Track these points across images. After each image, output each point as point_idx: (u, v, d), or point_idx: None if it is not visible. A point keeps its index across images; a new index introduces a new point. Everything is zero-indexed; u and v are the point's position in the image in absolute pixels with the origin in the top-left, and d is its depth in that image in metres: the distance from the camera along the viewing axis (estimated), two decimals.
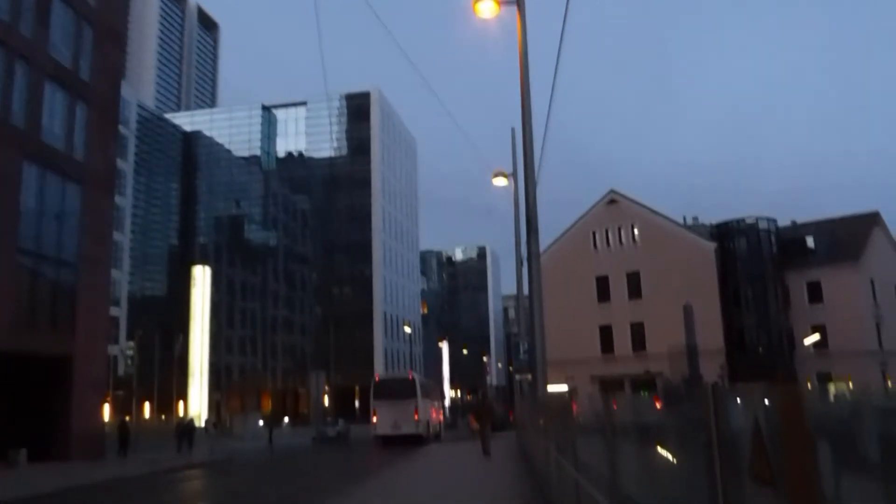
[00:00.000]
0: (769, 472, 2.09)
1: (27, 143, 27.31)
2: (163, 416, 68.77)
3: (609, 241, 53.93)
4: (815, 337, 49.07)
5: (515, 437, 29.03)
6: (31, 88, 27.90)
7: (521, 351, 26.32)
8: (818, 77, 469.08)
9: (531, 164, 15.69)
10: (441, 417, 44.85)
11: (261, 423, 57.10)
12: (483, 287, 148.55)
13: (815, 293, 50.59)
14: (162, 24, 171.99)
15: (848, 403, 2.02)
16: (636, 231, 53.09)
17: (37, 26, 28.39)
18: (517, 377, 33.03)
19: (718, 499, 2.41)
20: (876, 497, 1.80)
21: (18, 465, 25.28)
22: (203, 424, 46.68)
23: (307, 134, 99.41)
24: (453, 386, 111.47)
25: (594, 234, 54.46)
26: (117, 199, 50.50)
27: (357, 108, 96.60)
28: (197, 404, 61.72)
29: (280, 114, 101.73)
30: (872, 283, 50.43)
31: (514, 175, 24.90)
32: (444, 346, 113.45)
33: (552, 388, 16.67)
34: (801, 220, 58.76)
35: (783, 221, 56.70)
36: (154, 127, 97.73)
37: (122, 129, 62.07)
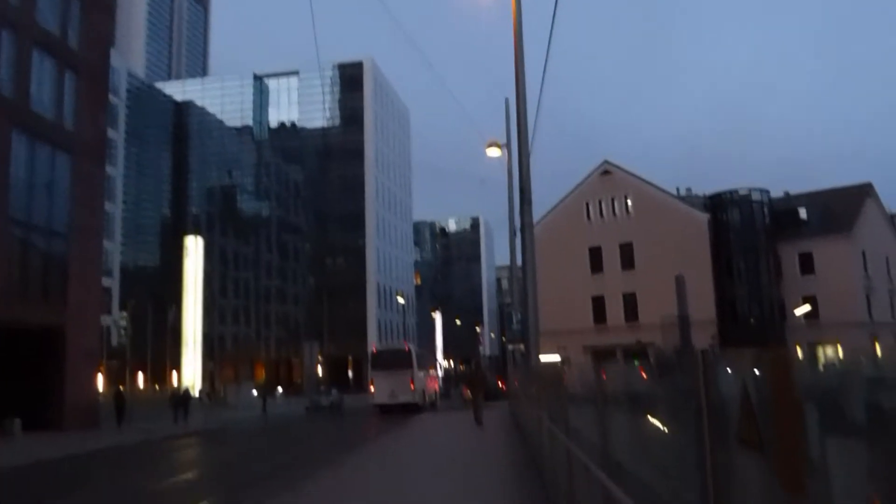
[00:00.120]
0: (757, 436, 2.11)
1: (16, 112, 27.01)
2: (157, 386, 68.99)
3: (602, 211, 53.94)
4: (806, 308, 49.41)
5: (508, 407, 29.25)
6: (19, 57, 27.53)
7: (514, 321, 26.46)
8: (813, 48, 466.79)
9: (525, 134, 15.63)
10: (437, 387, 45.77)
11: (254, 392, 57.32)
12: (476, 258, 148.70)
13: (806, 264, 50.85)
14: None
15: (836, 369, 2.03)
16: (629, 202, 53.09)
17: None
18: (510, 347, 33.28)
19: (707, 463, 2.43)
20: (861, 459, 1.82)
21: (13, 434, 25.40)
22: (197, 394, 46.84)
23: (300, 104, 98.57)
24: (446, 356, 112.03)
25: (587, 204, 54.43)
26: (108, 169, 50.24)
27: (350, 78, 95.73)
28: (191, 374, 61.89)
29: (272, 84, 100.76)
30: (864, 254, 50.69)
31: (507, 145, 24.81)
32: (438, 317, 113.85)
33: (545, 358, 16.79)
34: (794, 191, 58.94)
35: (776, 193, 56.83)
36: (144, 96, 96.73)
37: (112, 98, 61.43)
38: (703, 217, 51.48)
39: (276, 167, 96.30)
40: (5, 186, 26.53)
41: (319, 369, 76.16)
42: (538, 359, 15.71)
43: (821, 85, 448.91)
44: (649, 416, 3.93)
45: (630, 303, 51.10)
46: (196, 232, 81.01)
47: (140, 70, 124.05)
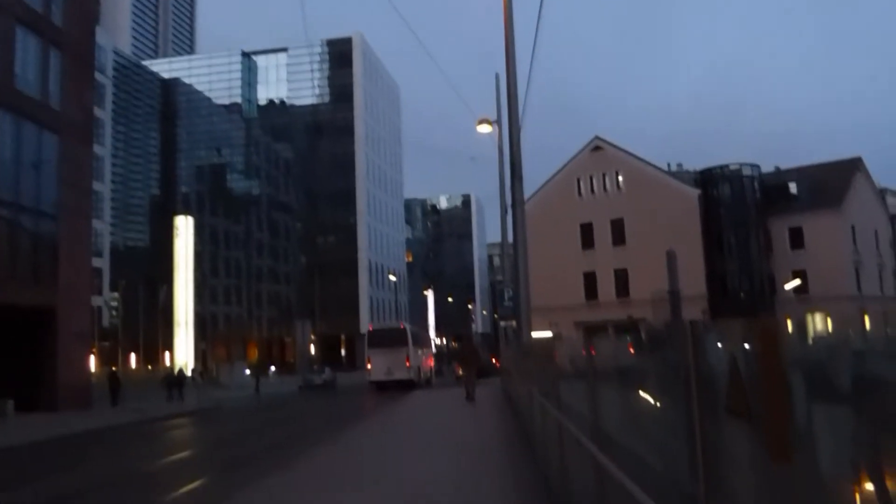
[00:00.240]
0: (746, 406, 2.13)
1: (0, 91, 26.68)
2: (149, 367, 69.01)
3: (593, 188, 53.92)
4: (796, 282, 49.71)
5: (500, 383, 29.41)
6: (2, 35, 27.12)
7: (506, 298, 26.57)
8: (803, 22, 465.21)
9: (515, 109, 15.57)
10: (432, 364, 46.75)
11: (247, 371, 57.43)
12: (468, 235, 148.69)
13: (796, 239, 51.09)
14: None
15: (825, 341, 2.04)
16: (620, 178, 53.08)
17: None
18: (502, 324, 33.42)
19: (696, 433, 2.45)
20: (847, 425, 1.85)
21: (6, 415, 25.40)
22: (189, 374, 46.88)
23: (288, 81, 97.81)
24: (438, 334, 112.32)
25: (579, 181, 54.39)
26: (96, 148, 49.75)
27: (339, 55, 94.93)
28: (183, 354, 61.88)
29: (260, 60, 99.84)
30: (853, 228, 50.95)
31: (498, 122, 24.71)
32: (430, 295, 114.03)
33: (536, 334, 16.85)
34: (784, 166, 59.05)
35: (767, 168, 56.93)
36: (131, 74, 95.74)
37: (98, 76, 60.74)
38: (694, 192, 51.54)
39: (266, 145, 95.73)
40: None
41: (312, 348, 76.29)
42: (530, 335, 15.78)
43: (812, 59, 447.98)
44: (639, 390, 3.96)
45: (621, 279, 51.28)
46: (186, 211, 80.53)
47: (126, 47, 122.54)
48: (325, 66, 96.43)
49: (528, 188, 19.17)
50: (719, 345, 2.64)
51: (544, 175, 56.60)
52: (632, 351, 4.35)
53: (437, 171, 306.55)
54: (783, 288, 50.22)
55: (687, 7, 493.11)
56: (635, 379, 4.11)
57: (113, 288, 78.21)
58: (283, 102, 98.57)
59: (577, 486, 5.73)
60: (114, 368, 41.35)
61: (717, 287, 50.61)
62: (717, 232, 52.02)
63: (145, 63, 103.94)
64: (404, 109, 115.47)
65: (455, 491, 8.98)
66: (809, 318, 45.76)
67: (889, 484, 1.68)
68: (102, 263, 74.27)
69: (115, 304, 78.84)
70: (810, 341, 2.03)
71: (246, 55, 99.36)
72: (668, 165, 60.79)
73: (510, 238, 21.55)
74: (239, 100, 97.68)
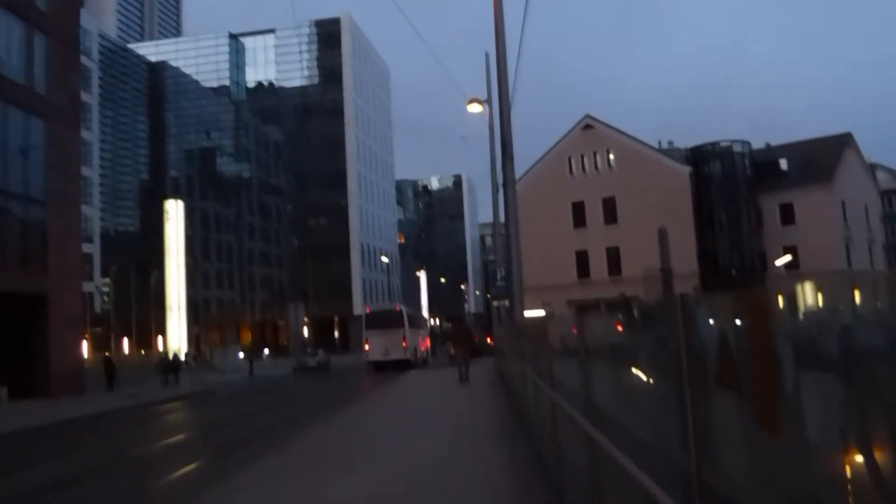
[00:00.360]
0: (735, 377, 2.14)
1: None
2: (142, 352, 68.96)
3: (585, 166, 53.88)
4: (787, 258, 49.94)
5: (494, 363, 29.53)
6: None
7: (499, 278, 26.51)
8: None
9: (505, 88, 15.49)
10: (428, 345, 47.78)
11: (241, 355, 57.45)
12: (460, 215, 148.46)
13: (787, 215, 51.27)
14: None
15: (814, 313, 2.05)
16: (612, 156, 53.04)
17: None
18: (495, 304, 33.40)
19: (686, 404, 2.46)
20: (834, 391, 1.86)
21: (0, 402, 25.36)
22: (183, 358, 46.87)
23: (277, 63, 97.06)
24: (432, 314, 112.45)
25: (570, 159, 54.33)
26: (84, 133, 49.32)
27: (328, 35, 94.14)
28: (176, 339, 61.79)
29: (248, 42, 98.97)
30: (843, 204, 51.12)
31: (488, 101, 24.59)
32: (422, 276, 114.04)
33: (529, 313, 16.89)
34: (775, 142, 59.10)
35: (758, 144, 56.98)
36: (118, 58, 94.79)
37: (84, 60, 60.11)
38: (685, 170, 51.58)
39: (255, 128, 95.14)
40: None
41: (305, 330, 76.32)
42: (522, 315, 15.81)
43: (803, 35, 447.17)
44: (631, 367, 3.97)
45: (613, 257, 51.41)
46: (176, 195, 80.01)
47: (112, 31, 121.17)
48: (314, 47, 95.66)
49: (520, 167, 19.12)
50: (711, 322, 2.65)
51: (536, 153, 56.56)
52: (619, 328, 4.37)
53: (429, 151, 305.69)
54: (774, 264, 50.45)
55: None
56: (627, 355, 4.13)
57: (104, 273, 77.95)
58: (271, 84, 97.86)
59: (571, 462, 5.76)
60: (107, 354, 41.31)
61: (708, 264, 50.81)
62: (709, 209, 52.14)
63: (131, 46, 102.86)
64: (394, 90, 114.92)
65: (449, 470, 9.03)
66: (800, 291, 46.02)
67: (877, 455, 1.69)
68: (93, 249, 73.96)
69: (106, 289, 78.63)
70: (800, 315, 2.03)
71: (233, 37, 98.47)
72: (660, 143, 60.76)
73: (502, 218, 21.54)
74: (227, 82, 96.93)
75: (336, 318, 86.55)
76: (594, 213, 52.67)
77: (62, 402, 25.25)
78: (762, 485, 2.19)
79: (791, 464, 1.99)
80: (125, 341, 74.45)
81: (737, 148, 53.33)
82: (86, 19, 68.18)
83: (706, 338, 2.52)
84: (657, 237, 27.06)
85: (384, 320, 37.57)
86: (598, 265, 52.07)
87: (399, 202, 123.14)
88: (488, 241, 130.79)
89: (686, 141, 61.93)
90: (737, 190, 52.29)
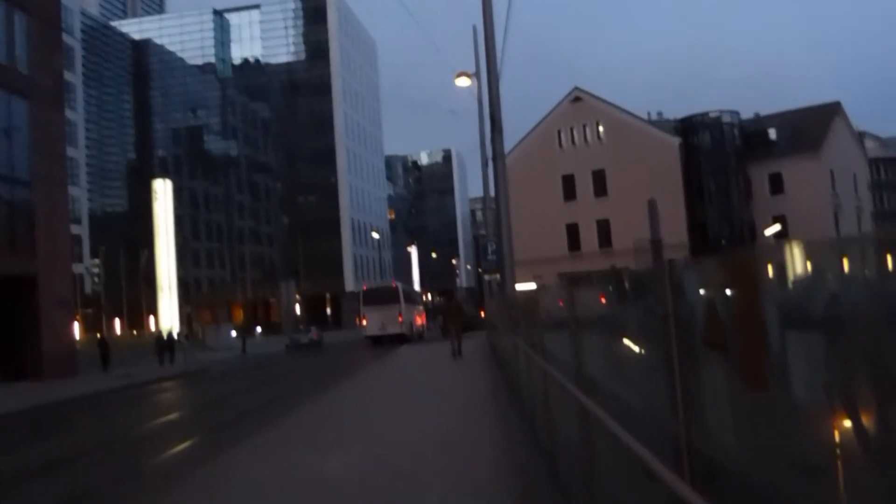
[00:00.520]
0: (721, 338, 2.15)
1: None
2: (134, 332, 68.91)
3: (574, 139, 53.74)
4: (776, 227, 50.14)
5: (486, 337, 29.65)
6: None
7: (490, 252, 26.53)
8: None
9: (494, 61, 15.39)
10: (423, 320, 48.99)
11: (233, 333, 57.51)
12: (449, 190, 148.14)
13: (776, 184, 51.40)
14: None
15: (802, 279, 2.05)
16: (601, 128, 52.91)
17: None
18: (486, 278, 33.43)
19: (674, 369, 2.47)
20: (818, 351, 1.87)
21: None
22: (176, 337, 46.94)
23: (262, 39, 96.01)
24: (423, 289, 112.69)
25: (559, 132, 54.17)
26: (68, 113, 48.76)
27: (313, 10, 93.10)
28: (167, 318, 61.75)
29: (233, 18, 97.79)
30: (832, 172, 51.28)
31: (476, 74, 24.43)
32: (413, 251, 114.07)
33: (520, 286, 16.94)
34: (764, 112, 59.06)
35: (747, 114, 56.93)
36: (101, 36, 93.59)
37: (67, 39, 59.33)
38: (675, 141, 51.54)
39: (243, 105, 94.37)
40: None
41: (297, 308, 76.40)
42: (514, 288, 15.85)
43: (791, 3, 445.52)
44: (620, 335, 3.99)
45: (603, 229, 51.49)
46: (164, 175, 79.59)
47: (94, 8, 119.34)
48: (300, 22, 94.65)
49: (509, 140, 19.07)
50: (702, 291, 2.66)
51: (525, 126, 56.37)
52: (603, 301, 4.41)
53: (417, 126, 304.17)
54: (763, 234, 50.68)
55: None
56: (617, 324, 4.16)
57: (93, 254, 77.65)
58: (257, 61, 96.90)
59: (563, 432, 5.81)
60: (99, 335, 41.29)
61: (698, 235, 50.95)
62: (698, 180, 52.19)
63: (115, 24, 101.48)
64: (381, 65, 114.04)
65: (442, 444, 9.09)
66: (789, 257, 46.31)
67: (863, 417, 1.71)
68: (81, 230, 73.56)
69: (96, 270, 78.36)
70: (789, 281, 2.04)
71: (218, 13, 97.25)
72: (649, 114, 60.65)
73: (492, 192, 21.50)
74: (213, 59, 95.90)
75: (328, 295, 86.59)
76: (584, 185, 52.64)
77: (55, 383, 25.27)
78: (749, 445, 2.22)
79: (778, 424, 2.01)
80: (116, 322, 74.33)
81: (726, 118, 53.27)
82: None
83: (694, 302, 2.54)
84: (647, 209, 27.13)
85: (381, 296, 38.61)
86: (589, 238, 52.15)
87: (389, 178, 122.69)
88: (479, 215, 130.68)
89: (675, 112, 61.93)
90: (726, 160, 52.33)
